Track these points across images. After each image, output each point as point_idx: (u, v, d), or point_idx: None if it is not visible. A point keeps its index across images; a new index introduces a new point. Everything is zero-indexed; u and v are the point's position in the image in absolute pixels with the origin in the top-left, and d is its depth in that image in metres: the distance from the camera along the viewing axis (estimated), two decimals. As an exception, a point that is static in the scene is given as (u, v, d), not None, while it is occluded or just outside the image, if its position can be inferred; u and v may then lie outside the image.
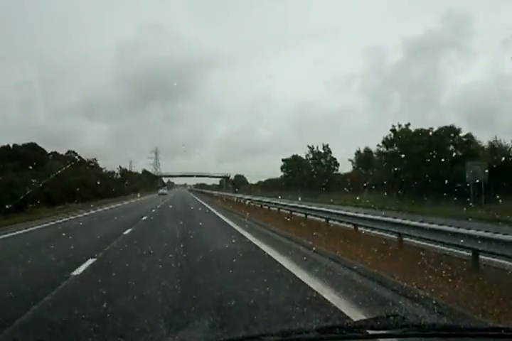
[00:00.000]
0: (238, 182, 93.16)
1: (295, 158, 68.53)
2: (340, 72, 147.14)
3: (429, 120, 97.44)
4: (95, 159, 61.55)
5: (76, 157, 56.22)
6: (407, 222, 9.90)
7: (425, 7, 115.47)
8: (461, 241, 7.63)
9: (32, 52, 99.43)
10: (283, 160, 70.36)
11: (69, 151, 58.21)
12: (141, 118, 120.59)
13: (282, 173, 71.03)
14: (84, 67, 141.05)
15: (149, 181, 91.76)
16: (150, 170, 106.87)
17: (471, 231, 7.66)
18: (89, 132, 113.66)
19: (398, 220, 10.28)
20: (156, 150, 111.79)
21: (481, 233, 7.45)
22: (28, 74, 72.65)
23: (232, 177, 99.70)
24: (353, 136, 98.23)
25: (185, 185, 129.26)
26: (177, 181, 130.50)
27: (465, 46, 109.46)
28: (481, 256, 7.71)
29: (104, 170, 61.85)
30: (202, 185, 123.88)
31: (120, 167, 70.47)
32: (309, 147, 64.74)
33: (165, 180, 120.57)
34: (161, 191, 67.06)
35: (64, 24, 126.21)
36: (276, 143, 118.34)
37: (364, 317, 4.41)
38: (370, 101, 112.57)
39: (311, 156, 64.92)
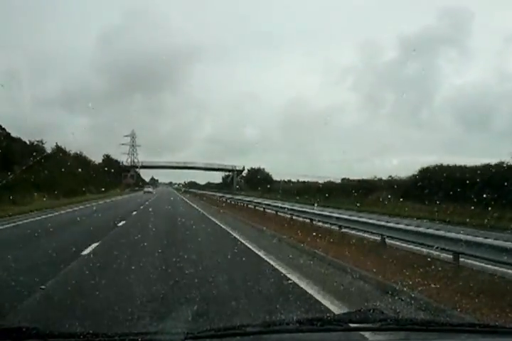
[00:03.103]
0: (255, 181, 62.15)
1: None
2: (334, 69, 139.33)
3: (423, 119, 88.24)
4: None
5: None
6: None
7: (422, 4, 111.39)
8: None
9: (8, 40, 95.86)
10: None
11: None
12: (121, 110, 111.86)
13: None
14: (63, 55, 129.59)
15: (116, 174, 60.90)
16: (125, 161, 76.96)
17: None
18: (66, 124, 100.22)
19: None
20: (132, 133, 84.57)
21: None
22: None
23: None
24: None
25: (170, 184, 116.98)
26: (162, 178, 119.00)
27: (463, 44, 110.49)
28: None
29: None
30: (193, 185, 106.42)
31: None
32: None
33: (146, 175, 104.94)
34: (145, 189, 64.51)
35: (42, 10, 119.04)
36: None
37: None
38: (361, 100, 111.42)
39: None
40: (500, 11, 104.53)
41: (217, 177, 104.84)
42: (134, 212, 22.96)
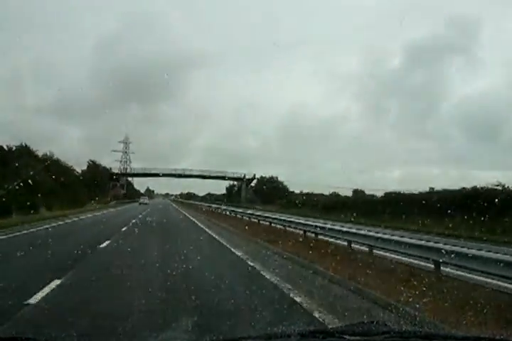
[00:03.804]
0: (266, 191, 51.83)
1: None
2: (336, 78, 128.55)
3: (429, 130, 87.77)
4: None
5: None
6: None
7: (429, 11, 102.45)
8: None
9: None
10: None
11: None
12: (117, 119, 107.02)
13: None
14: (58, 62, 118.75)
15: (104, 183, 50.53)
16: (117, 170, 67.19)
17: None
18: (60, 133, 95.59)
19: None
20: (126, 139, 75.70)
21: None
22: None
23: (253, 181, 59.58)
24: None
25: (167, 195, 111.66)
26: (158, 189, 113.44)
27: (470, 53, 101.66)
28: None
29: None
30: (191, 196, 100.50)
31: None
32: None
33: (141, 186, 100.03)
34: (141, 200, 63.34)
35: (37, 17, 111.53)
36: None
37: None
38: (367, 108, 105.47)
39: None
40: (508, 19, 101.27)
41: (217, 188, 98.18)
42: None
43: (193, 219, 29.74)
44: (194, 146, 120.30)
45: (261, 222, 24.05)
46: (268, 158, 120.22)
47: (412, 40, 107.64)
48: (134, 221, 24.14)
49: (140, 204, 57.18)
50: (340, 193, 54.30)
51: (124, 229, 19.28)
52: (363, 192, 38.01)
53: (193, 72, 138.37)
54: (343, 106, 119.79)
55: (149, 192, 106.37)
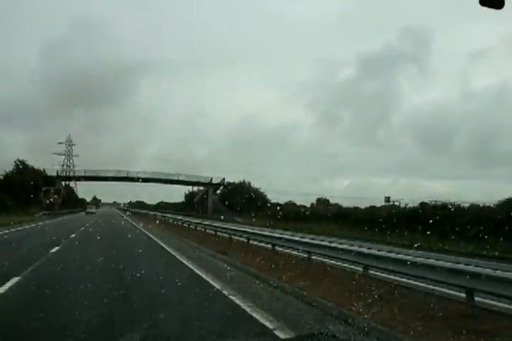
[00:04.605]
0: (236, 199, 42.57)
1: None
2: (288, 87, 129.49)
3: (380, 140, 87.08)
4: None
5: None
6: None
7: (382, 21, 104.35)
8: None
9: None
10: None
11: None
12: (61, 124, 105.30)
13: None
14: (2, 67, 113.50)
15: (33, 188, 39.85)
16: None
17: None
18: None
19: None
20: (69, 140, 66.96)
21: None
22: None
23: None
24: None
25: (114, 204, 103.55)
26: (105, 198, 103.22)
27: (422, 63, 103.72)
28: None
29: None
30: (141, 205, 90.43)
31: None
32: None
33: (87, 194, 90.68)
34: (88, 210, 60.53)
35: None
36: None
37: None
38: (318, 118, 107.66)
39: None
40: (459, 31, 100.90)
41: (172, 196, 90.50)
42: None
43: (169, 249, 19.76)
44: (143, 153, 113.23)
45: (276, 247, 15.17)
46: (219, 166, 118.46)
47: (365, 51, 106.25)
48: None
49: (87, 213, 56.12)
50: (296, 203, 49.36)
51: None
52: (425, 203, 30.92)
53: (143, 79, 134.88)
54: (295, 115, 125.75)
55: (96, 201, 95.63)
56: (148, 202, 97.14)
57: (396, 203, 42.14)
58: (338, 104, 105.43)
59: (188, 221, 31.47)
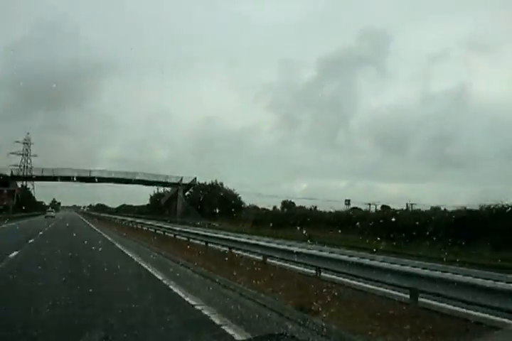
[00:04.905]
0: (207, 202, 39.92)
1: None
2: (251, 88, 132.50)
3: (339, 142, 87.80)
4: None
5: None
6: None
7: (342, 24, 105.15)
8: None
9: None
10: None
11: None
12: (21, 127, 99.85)
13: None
14: None
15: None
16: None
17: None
18: None
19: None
20: (27, 139, 63.64)
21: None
22: None
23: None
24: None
25: (74, 207, 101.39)
26: (65, 201, 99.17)
27: (381, 66, 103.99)
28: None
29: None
30: (102, 208, 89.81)
31: None
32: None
33: (45, 197, 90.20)
34: (47, 214, 59.97)
35: None
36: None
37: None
38: (279, 120, 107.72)
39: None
40: (418, 33, 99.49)
41: (134, 199, 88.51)
42: None
43: (140, 261, 16.74)
44: (105, 154, 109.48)
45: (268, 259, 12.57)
46: (181, 168, 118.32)
47: (326, 53, 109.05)
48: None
49: (46, 217, 55.02)
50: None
51: None
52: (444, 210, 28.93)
53: (105, 79, 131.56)
54: (257, 117, 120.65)
55: (55, 204, 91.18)
56: (110, 205, 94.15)
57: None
58: (299, 106, 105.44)
59: (161, 226, 28.44)
